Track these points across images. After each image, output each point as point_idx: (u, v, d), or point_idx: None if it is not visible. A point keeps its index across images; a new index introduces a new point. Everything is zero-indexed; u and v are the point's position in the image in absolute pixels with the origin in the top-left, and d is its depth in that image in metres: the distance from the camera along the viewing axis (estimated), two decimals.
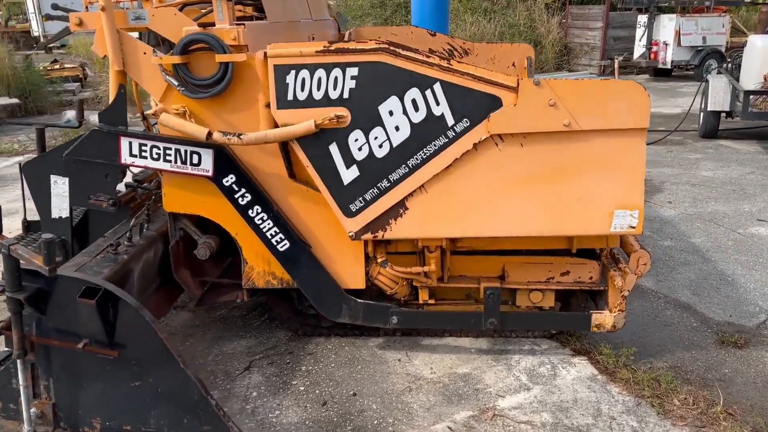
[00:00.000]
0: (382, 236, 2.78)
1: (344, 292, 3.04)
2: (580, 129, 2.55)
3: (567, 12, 15.73)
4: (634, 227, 2.65)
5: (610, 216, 2.65)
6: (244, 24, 2.70)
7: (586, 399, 2.83)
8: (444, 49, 5.05)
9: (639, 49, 13.92)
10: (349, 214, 2.76)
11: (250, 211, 2.89)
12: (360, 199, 2.74)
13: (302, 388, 2.97)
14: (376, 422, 2.72)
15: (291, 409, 2.82)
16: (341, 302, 3.05)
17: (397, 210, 2.74)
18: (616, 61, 8.44)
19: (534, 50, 5.04)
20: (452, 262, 3.12)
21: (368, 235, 2.78)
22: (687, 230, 4.67)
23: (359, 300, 3.04)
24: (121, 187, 3.15)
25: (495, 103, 2.57)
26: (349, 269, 3.02)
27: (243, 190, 2.86)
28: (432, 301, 3.15)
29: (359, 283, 3.04)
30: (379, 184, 2.71)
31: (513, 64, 4.95)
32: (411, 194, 2.71)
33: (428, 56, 2.59)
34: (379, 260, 2.95)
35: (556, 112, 2.54)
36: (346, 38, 4.92)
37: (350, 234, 2.78)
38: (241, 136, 2.70)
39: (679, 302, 3.63)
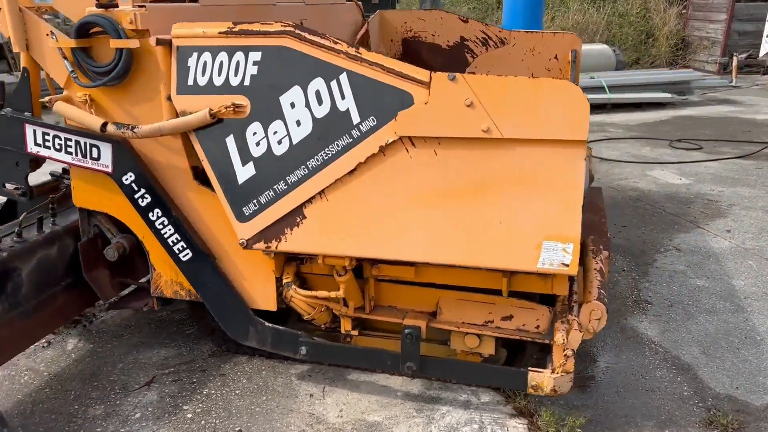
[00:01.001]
0: (276, 247, 2.41)
1: (252, 312, 2.68)
2: (502, 137, 2.10)
3: (689, 1, 13.99)
4: (567, 265, 2.12)
5: (537, 248, 2.14)
6: (144, 6, 2.46)
7: None
8: (477, 37, 4.73)
9: (766, 47, 12.31)
10: (242, 219, 2.42)
11: (150, 214, 2.62)
12: (254, 201, 2.39)
13: (190, 416, 2.61)
14: None
15: None
16: (248, 324, 2.69)
17: (294, 218, 2.37)
18: (735, 58, 7.36)
19: (579, 41, 4.53)
20: (380, 289, 2.69)
21: (261, 245, 2.42)
22: (733, 269, 3.91)
23: (267, 324, 2.67)
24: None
25: (405, 99, 2.17)
26: (259, 287, 2.66)
27: (143, 191, 2.59)
28: (355, 333, 2.72)
29: (270, 304, 2.67)
30: (275, 186, 2.36)
31: (555, 57, 4.54)
32: (310, 201, 2.34)
33: (336, 42, 2.24)
34: (284, 280, 2.57)
35: (473, 115, 2.10)
36: (368, 24, 4.69)
37: (241, 241, 2.43)
38: (134, 129, 2.45)
39: (679, 362, 2.97)
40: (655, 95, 9.53)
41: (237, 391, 2.76)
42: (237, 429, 2.52)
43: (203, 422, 2.57)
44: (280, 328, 2.67)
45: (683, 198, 5.26)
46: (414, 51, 5.00)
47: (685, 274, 3.86)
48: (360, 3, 4.91)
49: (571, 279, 2.47)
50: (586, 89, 9.46)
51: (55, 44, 2.51)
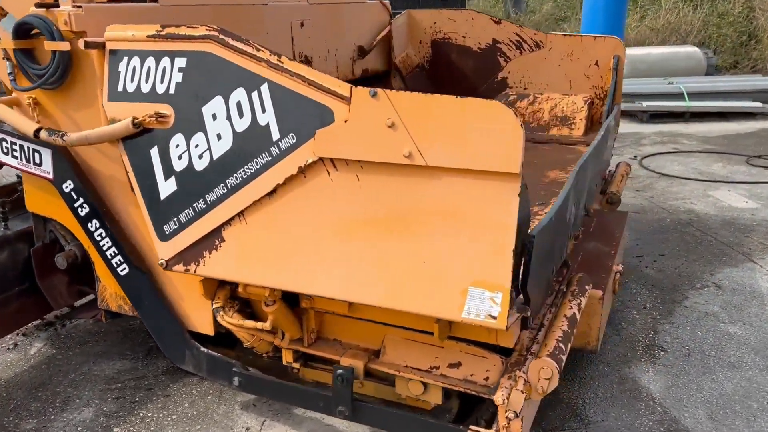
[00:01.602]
0: (195, 271, 2.21)
1: (188, 335, 2.50)
2: (426, 164, 1.79)
3: None
4: (494, 318, 1.79)
5: (463, 295, 1.83)
6: (80, 6, 2.32)
7: None
8: (511, 40, 4.41)
9: None
10: (163, 238, 2.23)
11: (89, 225, 2.49)
12: (175, 220, 2.20)
13: None
14: None
15: None
16: (184, 347, 2.52)
17: (213, 240, 2.16)
18: None
19: (623, 46, 4.11)
20: (324, 321, 2.44)
21: (180, 267, 2.22)
22: None
23: (203, 348, 2.49)
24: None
25: (325, 116, 1.90)
26: (195, 309, 2.48)
27: (81, 200, 2.47)
28: (297, 366, 2.49)
29: (207, 328, 2.48)
30: (195, 204, 2.16)
31: (596, 63, 4.13)
32: (229, 222, 2.12)
33: (258, 48, 2.00)
34: (214, 304, 2.37)
35: (395, 137, 1.81)
36: (397, 22, 4.46)
37: (161, 262, 2.25)
38: (64, 137, 2.32)
39: (676, 426, 2.54)
40: (741, 104, 8.67)
41: (174, 416, 2.60)
42: None
43: None
44: (216, 354, 2.48)
45: (743, 225, 4.66)
46: (444, 53, 4.69)
47: (717, 318, 3.36)
48: (387, 2, 4.64)
49: (525, 325, 2.12)
50: (663, 96, 8.76)
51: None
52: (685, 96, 8.61)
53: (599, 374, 2.89)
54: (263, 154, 2.02)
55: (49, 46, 2.29)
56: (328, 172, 1.95)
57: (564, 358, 2.08)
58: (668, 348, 3.08)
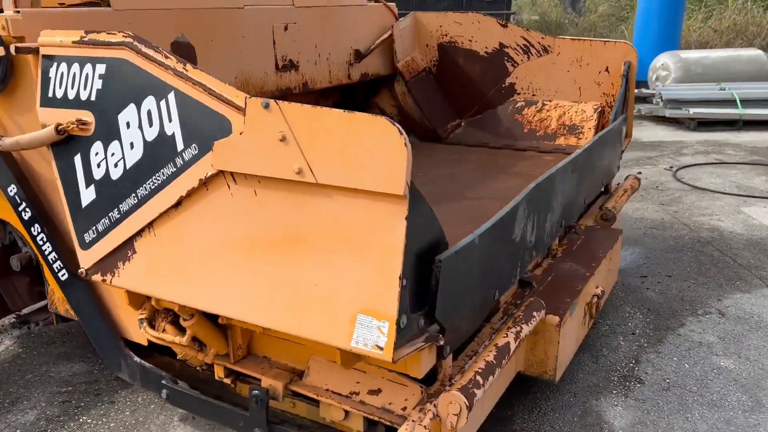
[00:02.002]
0: (110, 282, 2.16)
1: (124, 344, 2.48)
2: (316, 182, 1.68)
3: None
4: (381, 349, 1.66)
5: (352, 323, 1.70)
6: (19, 11, 2.31)
7: None
8: (518, 44, 4.25)
9: None
10: (84, 246, 2.20)
11: (32, 229, 2.49)
12: (94, 228, 2.16)
13: None
14: None
15: None
16: (119, 355, 2.49)
17: (126, 251, 2.11)
18: None
19: (635, 52, 3.90)
20: (255, 337, 2.36)
21: (98, 276, 2.19)
22: None
23: (135, 358, 2.45)
24: None
25: (224, 127, 1.82)
26: (129, 318, 2.45)
27: (24, 204, 2.48)
28: (228, 381, 2.42)
29: (141, 338, 2.44)
30: (110, 214, 2.11)
31: (606, 69, 3.92)
32: (140, 233, 2.06)
33: (167, 56, 1.94)
34: (139, 315, 2.33)
35: (287, 152, 1.71)
36: (401, 25, 4.34)
37: (80, 270, 2.22)
38: (3, 140, 2.32)
39: None
40: None
41: (112, 424, 2.57)
42: None
43: None
44: (147, 365, 2.44)
45: None
46: (450, 57, 4.54)
47: (710, 349, 3.09)
48: (391, 4, 4.52)
49: (440, 354, 1.97)
50: (713, 102, 8.26)
51: None
52: (738, 103, 8.09)
53: (562, 405, 2.69)
54: (169, 165, 1.95)
55: None
56: (228, 186, 1.86)
57: (479, 392, 1.92)
58: (646, 380, 2.85)
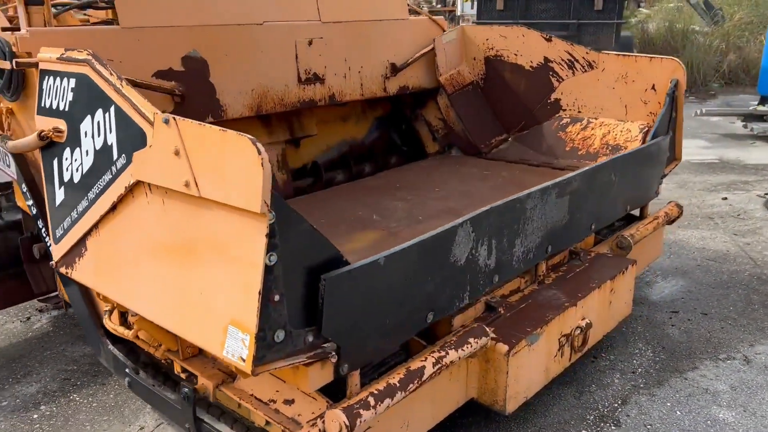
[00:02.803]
0: (70, 274, 2.39)
1: (103, 332, 2.70)
2: (200, 195, 1.77)
3: None
4: (244, 361, 1.72)
5: (224, 332, 1.77)
6: (22, 29, 2.61)
7: None
8: (562, 59, 4.14)
9: None
10: (56, 240, 2.45)
11: (39, 222, 2.80)
12: (62, 225, 2.40)
13: (35, 416, 2.79)
14: None
15: None
16: (99, 342, 2.72)
17: (80, 248, 2.32)
18: None
19: (683, 69, 3.66)
20: None
21: (64, 269, 2.42)
22: None
23: (110, 346, 2.67)
24: None
25: (142, 139, 1.97)
26: (102, 313, 2.67)
27: (31, 201, 2.78)
28: (183, 376, 2.57)
29: (121, 330, 2.66)
30: (72, 213, 2.34)
31: (653, 87, 3.72)
32: (89, 233, 2.27)
33: (111, 73, 2.12)
34: (105, 307, 2.54)
35: (178, 165, 1.81)
36: (444, 39, 4.34)
37: (52, 263, 2.46)
38: (8, 143, 2.64)
39: None
40: None
41: (94, 404, 2.83)
42: None
43: (38, 427, 2.69)
44: (117, 353, 2.65)
45: None
46: (497, 71, 4.47)
47: (715, 398, 2.81)
48: (439, 18, 4.52)
49: (337, 371, 1.98)
50: None
51: None
52: None
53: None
54: (108, 172, 2.13)
55: (3, 65, 2.62)
56: (146, 194, 2.00)
57: (366, 413, 1.91)
58: (624, 424, 2.65)
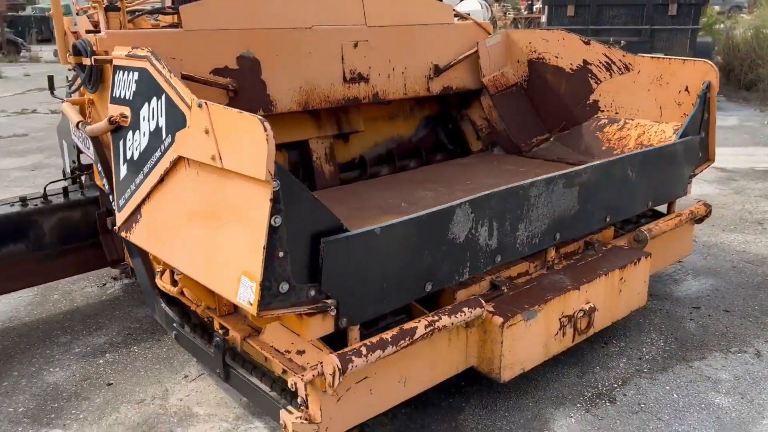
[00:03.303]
0: (128, 237, 2.81)
1: (157, 292, 3.13)
2: (223, 167, 2.13)
3: None
4: (251, 305, 2.06)
5: (238, 282, 2.12)
6: (102, 32, 3.08)
7: None
8: (600, 61, 4.34)
9: None
10: (119, 209, 2.88)
11: (110, 197, 3.26)
12: (124, 196, 2.83)
13: (101, 361, 3.22)
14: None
15: None
16: (154, 301, 3.15)
17: (136, 215, 2.74)
18: None
19: (715, 71, 3.78)
20: None
21: (124, 233, 2.85)
22: None
23: (162, 304, 3.09)
24: None
25: (183, 121, 2.35)
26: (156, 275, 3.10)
27: (105, 178, 3.25)
28: (221, 332, 2.95)
29: (168, 288, 3.08)
30: (131, 185, 2.76)
31: (686, 89, 3.87)
32: (144, 201, 2.68)
33: (164, 67, 2.53)
34: (158, 268, 2.95)
35: (207, 142, 2.19)
36: (488, 42, 4.58)
37: (115, 228, 2.90)
38: (86, 127, 3.11)
39: None
40: None
41: (149, 356, 3.26)
42: (109, 382, 3.03)
43: (102, 369, 3.14)
44: (168, 310, 3.06)
45: None
46: (539, 73, 4.68)
47: (715, 386, 2.92)
48: (485, 23, 4.76)
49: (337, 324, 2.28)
50: None
51: (70, 60, 3.33)
52: None
53: (517, 407, 2.80)
54: (158, 150, 2.54)
55: (86, 62, 3.11)
56: (185, 168, 2.39)
57: (358, 360, 2.21)
58: (619, 401, 2.82)
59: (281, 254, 2.05)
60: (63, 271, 3.72)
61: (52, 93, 3.81)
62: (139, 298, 3.90)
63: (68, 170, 4.04)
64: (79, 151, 3.74)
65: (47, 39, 28.09)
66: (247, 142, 2.01)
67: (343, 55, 3.93)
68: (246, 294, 2.09)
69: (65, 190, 3.67)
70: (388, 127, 4.62)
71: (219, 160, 2.14)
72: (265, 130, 1.94)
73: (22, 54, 21.97)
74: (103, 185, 3.30)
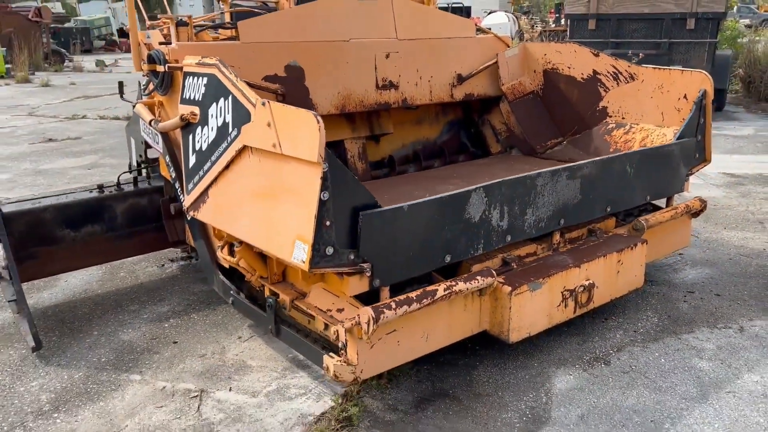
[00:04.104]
0: (196, 215, 3.34)
1: (215, 266, 3.66)
2: (282, 153, 2.65)
3: None
4: (304, 262, 2.56)
5: (293, 245, 2.63)
6: (172, 43, 3.63)
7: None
8: (608, 71, 4.81)
9: None
10: (188, 192, 3.42)
11: (176, 185, 3.81)
12: (193, 181, 3.37)
13: (166, 325, 3.75)
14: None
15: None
16: (212, 273, 3.68)
17: (204, 196, 3.27)
18: None
19: (710, 81, 4.23)
20: (288, 270, 3.37)
21: (192, 212, 3.38)
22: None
23: (220, 275, 3.62)
24: None
25: (248, 116, 2.87)
26: (216, 249, 3.62)
27: (171, 168, 3.80)
28: (272, 296, 3.45)
29: (223, 262, 3.60)
30: (199, 172, 3.29)
31: (684, 96, 4.31)
32: (211, 185, 3.21)
33: (231, 72, 3.06)
34: (218, 243, 3.48)
35: (269, 133, 2.70)
36: (507, 54, 5.05)
37: (184, 207, 3.44)
38: (159, 124, 3.66)
39: (544, 415, 2.84)
40: None
41: (207, 321, 3.78)
42: (174, 341, 3.56)
43: (167, 331, 3.67)
44: (225, 280, 3.58)
45: None
46: (554, 82, 5.14)
47: (699, 353, 3.34)
48: (504, 36, 5.24)
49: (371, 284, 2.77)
50: None
51: (143, 68, 3.89)
52: None
53: (523, 366, 3.25)
54: (225, 141, 3.06)
55: (159, 69, 3.66)
56: (249, 155, 2.91)
57: (388, 312, 2.69)
58: (613, 363, 3.26)
59: (328, 223, 2.55)
60: (131, 250, 4.29)
61: (121, 96, 4.38)
62: (195, 277, 4.44)
63: (134, 164, 4.60)
64: (147, 147, 4.30)
65: (88, 49, 29.27)
66: (302, 132, 2.52)
67: (376, 64, 4.44)
68: (300, 254, 2.60)
69: (135, 180, 4.23)
70: (415, 130, 5.12)
71: (279, 147, 2.65)
72: (318, 122, 2.45)
73: (65, 63, 23.00)
74: (170, 174, 3.84)
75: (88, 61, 22.92)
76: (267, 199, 2.80)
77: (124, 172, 4.27)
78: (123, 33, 34.36)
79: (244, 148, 2.91)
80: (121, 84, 4.48)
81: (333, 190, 2.52)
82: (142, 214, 4.22)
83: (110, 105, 12.91)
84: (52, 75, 18.85)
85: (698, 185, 6.48)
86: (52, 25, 26.17)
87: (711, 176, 6.93)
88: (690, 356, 3.32)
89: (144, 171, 4.44)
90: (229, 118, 3.02)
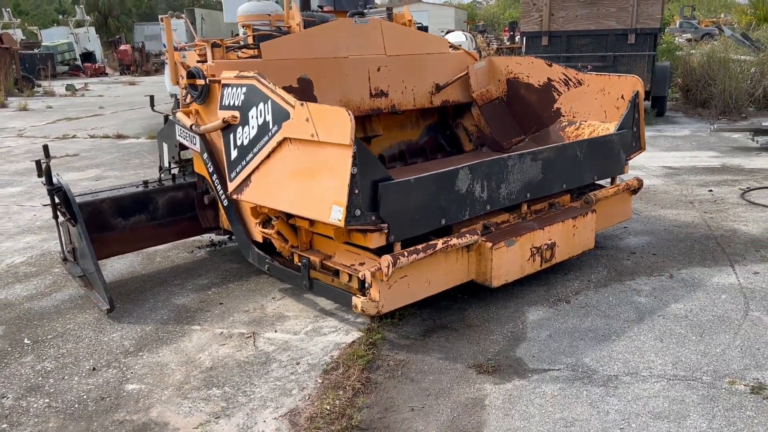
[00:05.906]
0: (239, 197, 4.17)
1: (251, 241, 4.48)
2: (319, 140, 3.51)
3: None
4: (340, 220, 3.42)
5: (330, 209, 3.49)
6: (209, 61, 4.48)
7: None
8: (560, 78, 5.72)
9: None
10: (231, 180, 4.24)
11: (213, 177, 4.63)
12: (236, 170, 4.20)
13: (210, 293, 4.55)
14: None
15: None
16: (248, 248, 4.50)
17: (247, 181, 4.10)
18: None
19: (641, 84, 5.19)
20: (315, 239, 4.22)
21: (236, 195, 4.21)
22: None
23: (256, 248, 4.44)
24: None
25: (287, 115, 3.73)
26: (254, 226, 4.45)
27: (210, 164, 4.62)
28: (299, 264, 4.29)
29: (258, 238, 4.43)
30: (242, 162, 4.13)
31: (622, 97, 5.26)
32: (253, 171, 4.04)
33: (269, 82, 3.92)
34: (254, 221, 4.30)
35: (308, 126, 3.56)
36: (475, 66, 5.99)
37: (229, 192, 4.27)
38: (199, 128, 4.49)
39: (519, 334, 3.73)
40: None
41: (243, 288, 4.59)
42: (220, 302, 4.36)
43: (212, 297, 4.46)
44: (260, 252, 4.40)
45: None
46: (515, 89, 6.11)
47: (638, 292, 4.29)
48: (473, 51, 6.21)
49: (388, 240, 3.64)
50: None
51: (180, 83, 4.72)
52: None
53: (504, 306, 4.14)
54: (266, 136, 3.91)
55: (198, 82, 4.50)
56: (289, 145, 3.77)
57: (403, 259, 3.56)
58: (572, 302, 4.18)
59: (357, 191, 3.42)
60: (170, 236, 5.07)
61: (152, 108, 5.19)
62: (222, 259, 5.23)
63: (165, 165, 5.39)
64: (181, 149, 5.10)
65: (54, 75, 29.51)
66: (336, 122, 3.39)
67: (370, 76, 5.34)
68: (336, 215, 3.46)
69: (173, 176, 5.03)
70: (400, 133, 6.02)
71: (316, 136, 3.52)
72: (349, 114, 3.33)
73: (35, 89, 23.36)
74: (207, 170, 4.65)
75: (56, 86, 23.32)
76: (306, 176, 3.65)
77: (164, 170, 5.07)
78: (87, 57, 34.76)
79: (285, 139, 3.76)
80: (152, 97, 5.29)
81: (360, 166, 3.40)
82: (179, 206, 5.01)
83: (96, 125, 13.53)
84: (25, 100, 19.26)
85: (642, 176, 7.52)
86: (21, 51, 26.48)
87: (652, 169, 8.00)
88: (631, 295, 4.26)
89: (175, 171, 5.23)
90: (269, 118, 3.87)
